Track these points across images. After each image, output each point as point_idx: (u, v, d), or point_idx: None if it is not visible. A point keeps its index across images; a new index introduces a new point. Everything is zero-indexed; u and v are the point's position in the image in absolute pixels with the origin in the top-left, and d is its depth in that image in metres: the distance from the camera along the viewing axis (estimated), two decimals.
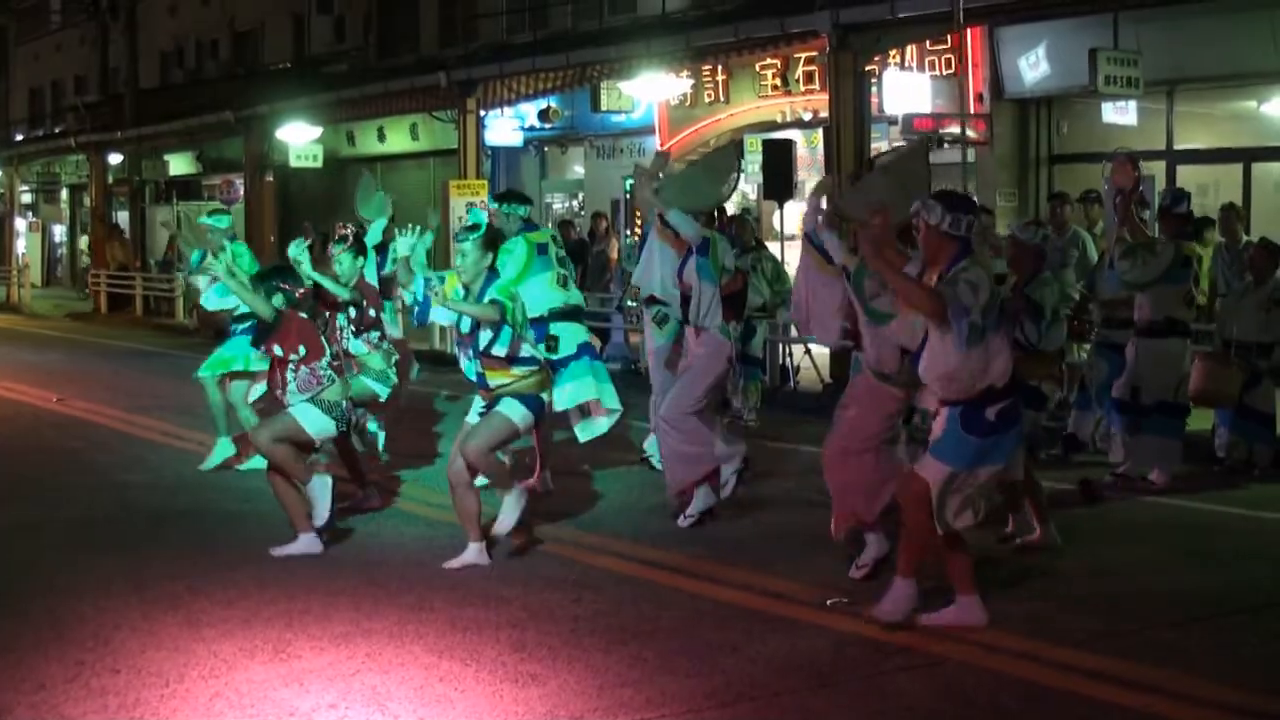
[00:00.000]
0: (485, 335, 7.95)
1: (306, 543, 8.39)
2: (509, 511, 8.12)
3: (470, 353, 8.04)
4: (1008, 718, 5.84)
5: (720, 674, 6.22)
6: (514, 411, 8.02)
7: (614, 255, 19.98)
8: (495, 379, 8.03)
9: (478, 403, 8.21)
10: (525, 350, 8.06)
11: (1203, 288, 11.49)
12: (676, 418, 9.11)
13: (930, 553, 6.90)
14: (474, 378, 8.12)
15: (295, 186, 29.59)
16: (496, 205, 10.47)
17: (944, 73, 17.98)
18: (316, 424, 8.53)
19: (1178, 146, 16.69)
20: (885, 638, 6.69)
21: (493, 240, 8.20)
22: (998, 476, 6.90)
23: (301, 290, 8.79)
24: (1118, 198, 10.32)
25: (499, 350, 7.95)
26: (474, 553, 8.09)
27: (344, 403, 8.67)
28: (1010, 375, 6.73)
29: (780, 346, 15.77)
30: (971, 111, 17.73)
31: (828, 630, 6.86)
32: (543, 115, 24.24)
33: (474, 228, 8.23)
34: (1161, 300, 10.11)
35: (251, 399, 10.58)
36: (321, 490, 8.48)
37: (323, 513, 8.46)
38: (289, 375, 8.49)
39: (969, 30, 17.15)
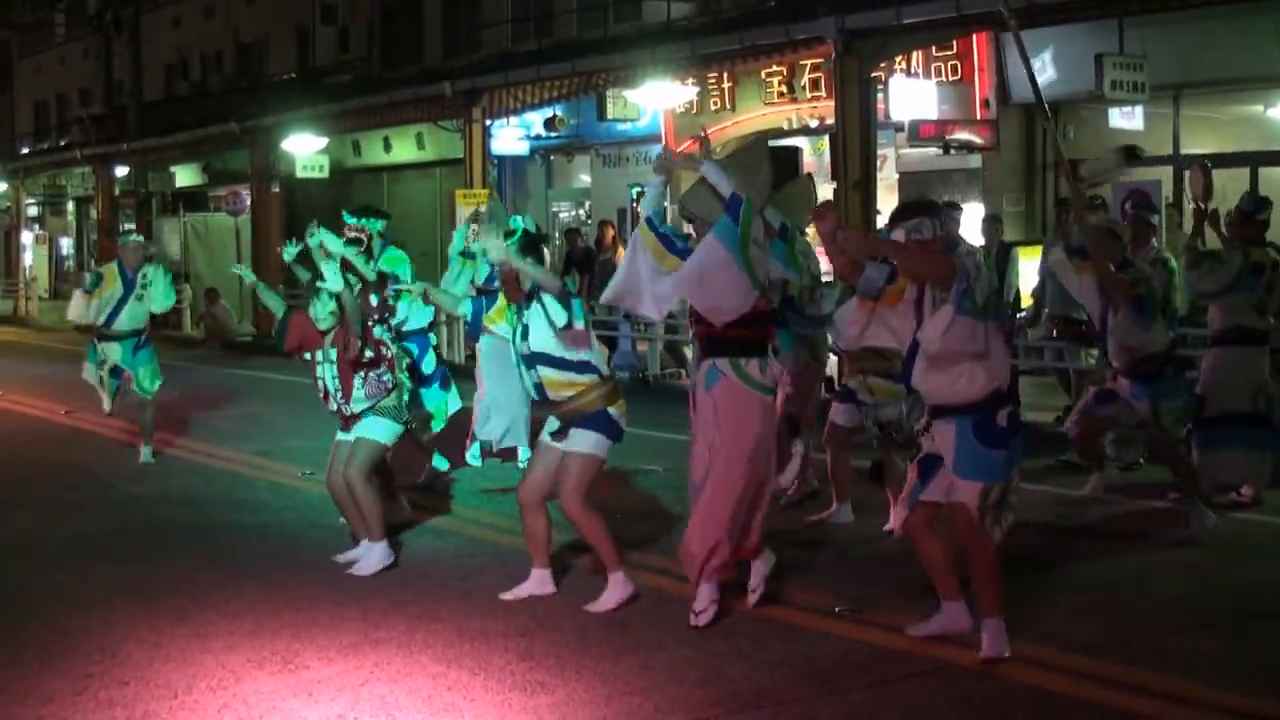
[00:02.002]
0: (540, 335, 7.26)
1: (380, 553, 8.32)
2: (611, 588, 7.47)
3: (527, 364, 7.38)
4: None
5: (728, 682, 6.22)
6: (590, 443, 7.35)
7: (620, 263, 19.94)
8: (556, 392, 7.35)
9: (552, 421, 7.52)
10: (588, 355, 7.34)
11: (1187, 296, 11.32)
12: None
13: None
14: (535, 394, 7.48)
15: (302, 197, 29.60)
16: (355, 220, 10.12)
17: (950, 79, 18.02)
18: (388, 433, 8.49)
19: (1184, 151, 16.67)
20: (892, 644, 6.68)
21: (534, 244, 7.60)
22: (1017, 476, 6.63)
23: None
24: (1132, 216, 10.38)
25: (556, 347, 7.22)
26: (537, 580, 7.65)
27: (403, 403, 8.64)
28: (1010, 379, 6.65)
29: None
30: (978, 117, 17.78)
31: (835, 638, 6.86)
32: (548, 124, 24.24)
33: (511, 233, 7.67)
34: (1232, 308, 9.90)
35: None
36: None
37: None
38: (357, 381, 8.32)
39: (974, 36, 17.21)
